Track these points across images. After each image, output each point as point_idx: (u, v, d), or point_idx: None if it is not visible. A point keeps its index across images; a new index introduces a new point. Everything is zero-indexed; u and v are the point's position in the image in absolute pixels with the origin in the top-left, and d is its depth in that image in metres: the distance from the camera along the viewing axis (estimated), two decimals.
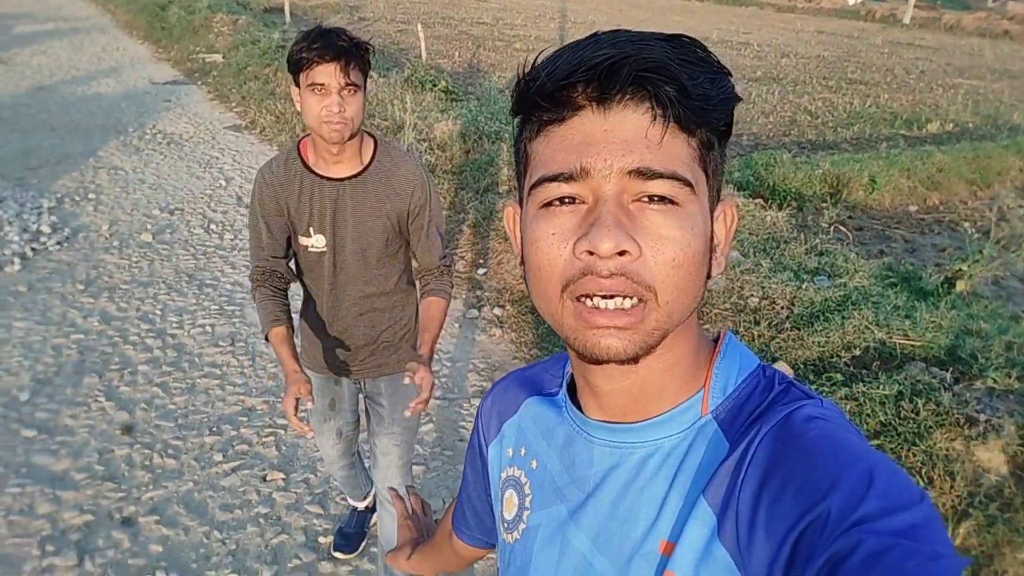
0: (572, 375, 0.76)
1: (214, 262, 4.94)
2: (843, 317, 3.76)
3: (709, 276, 0.63)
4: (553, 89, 0.59)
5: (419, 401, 1.80)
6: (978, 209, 7.93)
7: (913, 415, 3.01)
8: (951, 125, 10.90)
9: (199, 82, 10.35)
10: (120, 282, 4.56)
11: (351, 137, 1.80)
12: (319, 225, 1.91)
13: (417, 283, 2.10)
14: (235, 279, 4.70)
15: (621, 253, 0.56)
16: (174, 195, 6.10)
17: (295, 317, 2.05)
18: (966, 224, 5.77)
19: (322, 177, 1.88)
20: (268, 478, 3.00)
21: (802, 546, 0.51)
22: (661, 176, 0.57)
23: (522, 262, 0.65)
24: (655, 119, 0.57)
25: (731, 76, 0.60)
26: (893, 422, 3.00)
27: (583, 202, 0.59)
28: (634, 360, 0.60)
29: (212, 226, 5.52)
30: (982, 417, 2.96)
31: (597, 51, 0.57)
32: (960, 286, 4.39)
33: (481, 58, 13.85)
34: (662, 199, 0.57)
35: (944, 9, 29.66)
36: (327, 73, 1.68)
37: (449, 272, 2.07)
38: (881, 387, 3.19)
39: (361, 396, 2.29)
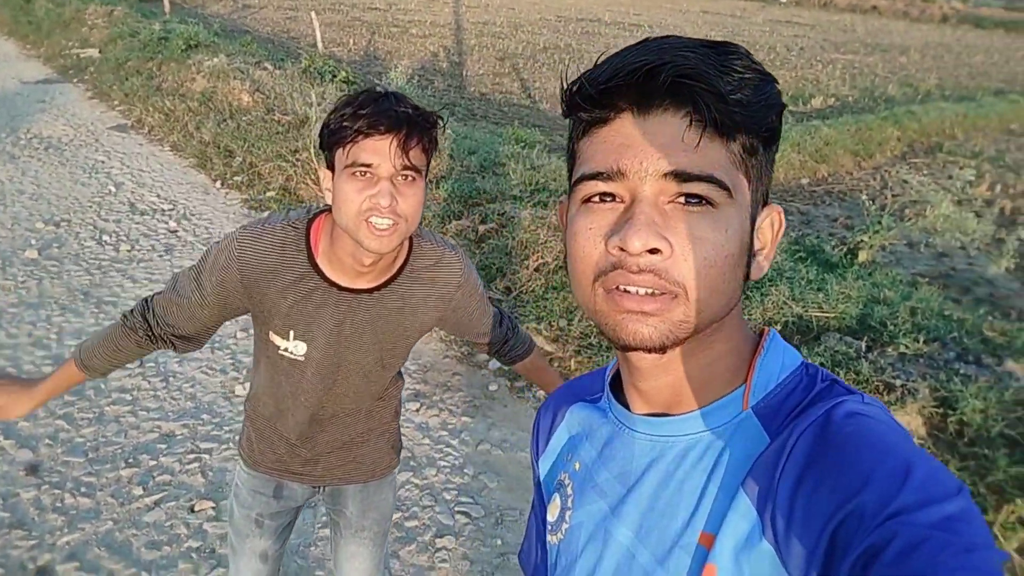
0: (614, 377, 0.79)
1: (111, 276, 4.60)
2: (762, 294, 3.89)
3: (747, 279, 0.65)
4: (594, 93, 0.61)
5: None
6: (863, 179, 8.41)
7: None
8: (832, 99, 11.51)
9: (75, 80, 9.63)
10: (6, 305, 4.18)
11: (398, 245, 1.28)
12: (305, 334, 1.41)
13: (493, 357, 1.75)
14: (136, 293, 4.39)
15: (652, 251, 0.58)
16: (58, 205, 5.65)
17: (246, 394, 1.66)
18: (863, 196, 6.10)
19: (332, 284, 1.37)
20: (196, 508, 2.82)
21: (839, 539, 0.52)
22: (697, 179, 0.58)
23: (565, 252, 0.68)
24: (692, 123, 0.58)
25: (776, 83, 0.61)
26: None
27: (621, 200, 0.61)
28: (661, 350, 0.61)
29: (105, 237, 5.15)
30: (898, 382, 3.13)
31: (639, 57, 0.59)
32: (862, 256, 4.64)
33: (378, 45, 13.53)
34: (698, 201, 0.59)
35: None
36: (378, 151, 1.18)
37: (518, 331, 1.68)
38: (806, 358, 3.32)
39: (315, 501, 1.85)
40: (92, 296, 4.33)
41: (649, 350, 0.61)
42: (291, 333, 1.42)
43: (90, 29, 11.21)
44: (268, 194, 5.93)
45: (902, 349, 3.31)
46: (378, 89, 1.25)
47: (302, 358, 1.44)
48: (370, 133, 1.18)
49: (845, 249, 4.75)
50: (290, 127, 6.74)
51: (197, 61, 8.65)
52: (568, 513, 0.78)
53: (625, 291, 0.60)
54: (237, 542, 1.72)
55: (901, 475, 0.52)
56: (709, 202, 0.59)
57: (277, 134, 6.70)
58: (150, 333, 1.45)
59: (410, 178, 1.23)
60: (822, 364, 3.27)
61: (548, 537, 0.81)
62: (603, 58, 0.63)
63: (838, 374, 3.19)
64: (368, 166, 1.19)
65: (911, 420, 2.93)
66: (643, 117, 0.60)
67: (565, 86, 0.65)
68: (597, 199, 0.62)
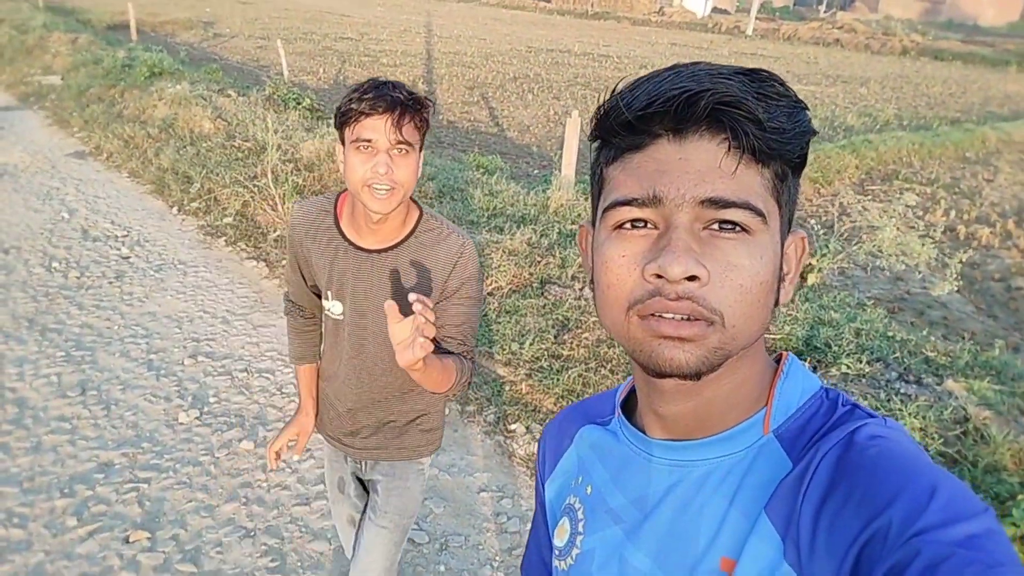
0: (625, 400, 0.79)
1: (58, 303, 4.52)
2: None
3: (777, 304, 0.64)
4: (632, 118, 0.60)
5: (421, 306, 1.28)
6: (822, 206, 8.55)
7: None
8: None
9: (35, 106, 9.54)
10: None
11: (397, 207, 1.52)
12: (338, 291, 1.68)
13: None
14: (83, 321, 4.32)
15: (691, 279, 0.57)
16: (8, 232, 5.56)
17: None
18: (812, 221, 6.20)
19: (350, 243, 1.63)
20: (131, 539, 2.75)
21: (863, 560, 0.52)
22: (735, 205, 0.58)
23: (591, 281, 0.67)
24: (729, 150, 0.58)
25: (807, 110, 0.61)
26: None
27: (655, 227, 0.60)
28: (696, 376, 0.60)
29: (55, 264, 5.06)
30: None
31: (676, 83, 0.59)
32: (811, 279, 4.70)
33: (348, 74, 13.58)
34: (734, 227, 0.59)
35: (782, 20, 32.06)
36: (376, 128, 1.43)
37: (469, 361, 1.68)
38: None
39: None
40: (37, 324, 4.25)
41: (685, 377, 0.60)
42: (329, 293, 1.69)
43: (53, 56, 11.15)
44: (225, 220, 5.88)
45: (844, 369, 3.35)
46: (379, 79, 1.49)
47: (340, 317, 1.70)
48: (370, 113, 1.42)
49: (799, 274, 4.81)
50: (250, 153, 6.72)
51: (160, 88, 8.62)
52: (579, 538, 0.77)
53: (661, 317, 0.59)
54: (333, 508, 2.07)
55: (926, 495, 0.52)
56: (744, 229, 0.59)
57: (236, 160, 6.67)
58: (293, 305, 1.85)
59: (404, 151, 1.47)
60: None
61: (556, 563, 0.80)
62: (621, 86, 0.63)
63: None
64: (368, 141, 1.44)
65: None
66: (679, 143, 0.59)
67: (600, 110, 0.64)
68: (629, 225, 0.61)
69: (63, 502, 2.91)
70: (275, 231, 5.65)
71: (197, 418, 3.48)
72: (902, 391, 3.19)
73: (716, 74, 0.59)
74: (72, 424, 3.38)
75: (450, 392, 1.64)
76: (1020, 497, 2.42)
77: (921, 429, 2.88)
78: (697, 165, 0.58)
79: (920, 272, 5.50)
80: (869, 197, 8.48)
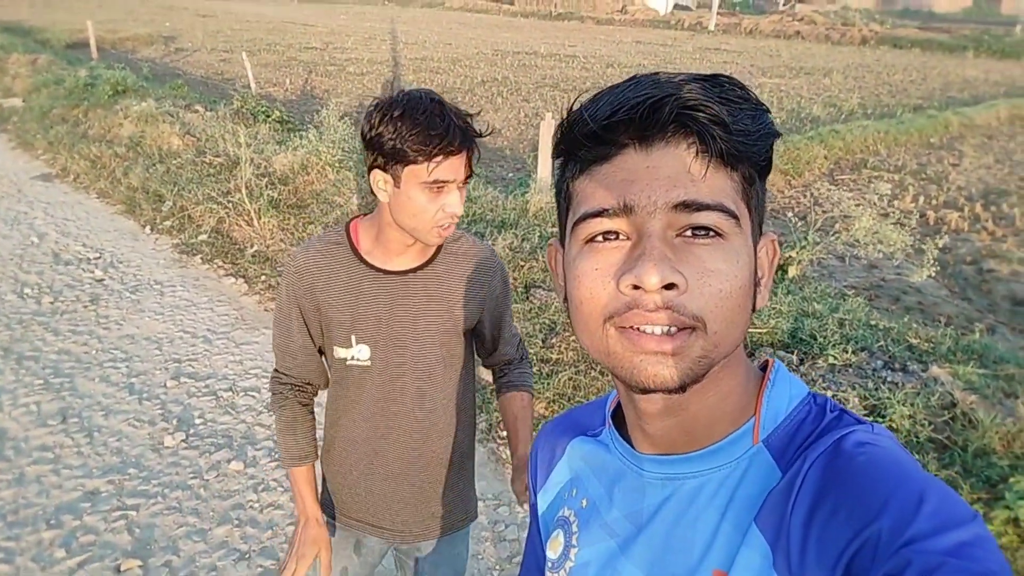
0: (615, 412, 0.78)
1: (33, 330, 4.41)
2: None
3: (754, 309, 0.63)
4: (597, 129, 0.59)
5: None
6: (794, 197, 8.66)
7: None
8: None
9: None
10: None
11: None
12: (364, 331, 1.48)
13: (493, 376, 1.76)
14: (60, 347, 4.22)
15: (668, 287, 0.56)
16: None
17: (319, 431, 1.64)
18: (789, 213, 6.27)
19: (376, 269, 1.47)
20: (123, 568, 2.69)
21: (854, 569, 0.51)
22: (708, 208, 0.57)
23: (565, 299, 0.66)
24: (698, 154, 0.58)
25: (769, 112, 0.61)
26: None
27: (627, 238, 0.59)
28: (681, 389, 0.59)
29: (27, 290, 4.95)
30: (829, 393, 3.19)
31: (638, 91, 0.58)
32: (792, 271, 4.75)
33: (315, 84, 13.49)
34: (707, 232, 0.58)
35: (743, 15, 32.44)
36: (455, 168, 1.31)
37: (527, 361, 1.72)
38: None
39: (391, 553, 1.83)
40: (12, 352, 4.15)
41: (670, 391, 0.59)
42: (352, 338, 1.49)
43: (13, 78, 10.92)
44: (200, 237, 5.80)
45: (831, 360, 3.38)
46: (424, 98, 1.31)
47: (368, 362, 1.50)
48: (449, 153, 1.30)
49: (777, 266, 4.86)
50: (222, 168, 6.64)
51: (125, 106, 8.49)
52: (573, 551, 0.76)
53: (641, 331, 0.57)
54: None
55: (915, 503, 0.51)
56: (718, 233, 0.58)
57: (208, 176, 6.58)
58: (290, 387, 1.59)
59: (467, 183, 1.39)
60: None
61: (549, 575, 0.79)
62: (579, 101, 0.63)
63: None
64: (445, 182, 1.32)
65: None
66: (646, 151, 0.59)
67: (563, 124, 0.63)
68: (601, 238, 0.60)
69: (50, 533, 2.84)
70: (252, 247, 5.58)
71: (183, 441, 3.42)
72: (889, 379, 3.23)
73: (677, 80, 0.58)
74: (55, 453, 3.30)
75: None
76: (1012, 480, 2.46)
77: (910, 416, 2.92)
78: (666, 171, 0.58)
79: (896, 259, 5.58)
80: (839, 187, 8.60)
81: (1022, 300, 5.86)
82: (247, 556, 2.76)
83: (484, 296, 1.56)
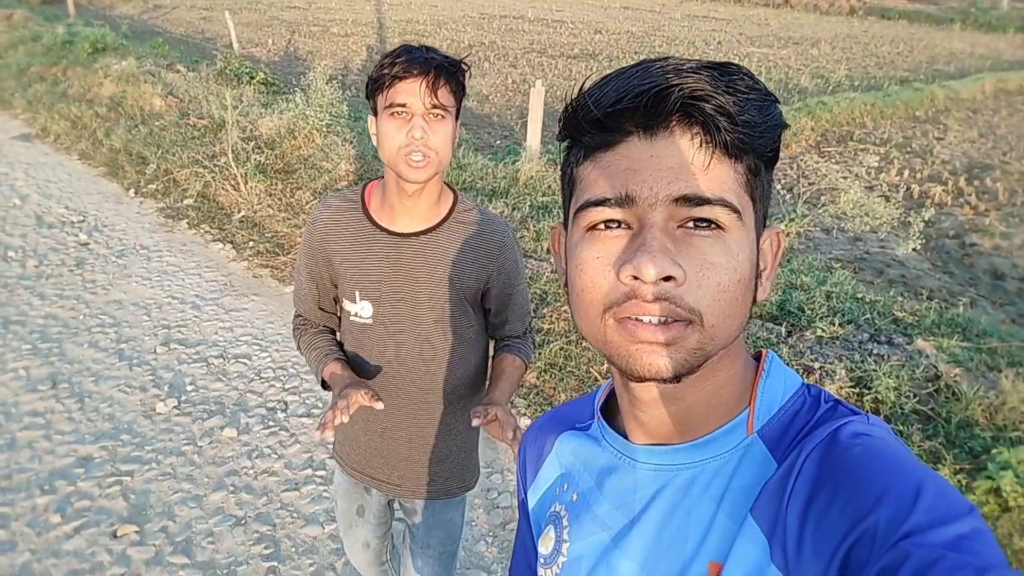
0: (605, 404, 0.78)
1: (19, 295, 4.36)
2: None
3: (755, 301, 0.63)
4: (600, 116, 0.59)
5: (506, 440, 1.42)
6: (780, 168, 8.68)
7: None
8: None
9: None
10: None
11: (433, 176, 1.44)
12: (368, 289, 1.54)
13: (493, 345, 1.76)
14: (47, 312, 4.18)
15: (667, 279, 0.56)
16: None
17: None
18: (778, 186, 6.30)
19: (383, 230, 1.52)
20: (119, 533, 2.71)
21: (851, 561, 0.51)
22: (709, 202, 0.57)
23: (566, 284, 0.65)
24: (701, 145, 0.57)
25: (778, 103, 0.60)
26: None
27: (629, 227, 0.59)
28: (676, 379, 0.59)
29: (11, 253, 4.88)
30: (816, 365, 3.25)
31: (645, 79, 0.57)
32: None
33: (298, 45, 13.23)
34: (708, 225, 0.58)
35: None
36: (410, 92, 1.35)
37: (532, 333, 1.75)
38: None
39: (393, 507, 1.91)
40: None
41: (665, 381, 0.59)
42: (357, 294, 1.56)
43: None
44: (186, 201, 5.73)
45: (819, 333, 3.43)
46: (409, 44, 1.41)
47: (369, 320, 1.57)
48: (404, 77, 1.35)
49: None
50: (206, 131, 6.53)
51: (105, 65, 8.29)
52: (565, 545, 0.75)
53: (638, 321, 0.57)
54: (343, 531, 1.92)
55: (912, 495, 0.51)
56: (719, 226, 0.58)
57: (193, 139, 6.48)
58: (305, 322, 1.71)
59: (439, 116, 1.39)
60: None
61: (541, 571, 0.79)
62: (588, 83, 0.62)
63: None
64: (403, 106, 1.37)
65: None
66: (650, 140, 0.58)
67: (568, 108, 0.63)
68: (603, 226, 0.60)
69: (44, 499, 2.84)
70: (239, 212, 5.52)
71: (175, 407, 3.42)
72: (875, 352, 3.29)
73: (685, 69, 0.57)
74: (46, 419, 3.29)
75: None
76: (994, 451, 2.53)
77: (896, 388, 2.98)
78: (669, 162, 0.57)
79: (883, 233, 5.64)
80: (826, 159, 8.64)
81: (1003, 274, 5.96)
82: (243, 522, 2.78)
83: (491, 270, 1.57)
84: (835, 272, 4.33)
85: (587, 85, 0.62)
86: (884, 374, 3.03)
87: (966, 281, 5.85)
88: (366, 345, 1.60)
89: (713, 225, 0.58)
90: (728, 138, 0.57)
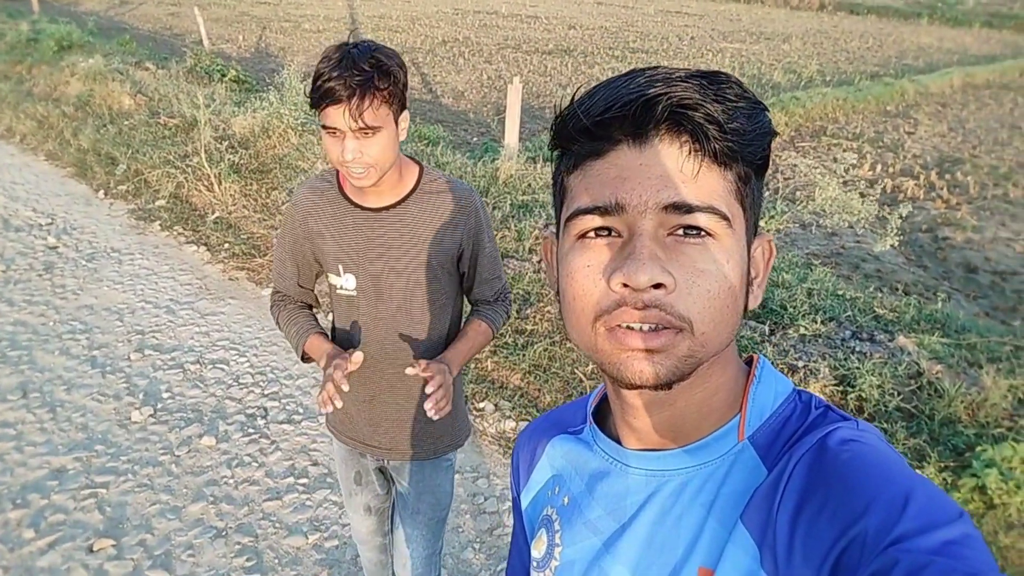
0: (597, 408, 0.78)
1: None
2: None
3: (746, 309, 0.63)
4: (589, 124, 0.59)
5: (432, 400, 1.49)
6: None
7: None
8: None
9: None
10: None
11: (380, 179, 1.51)
12: (349, 262, 1.63)
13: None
14: (15, 318, 4.06)
15: (657, 286, 0.56)
16: None
17: None
18: None
19: (356, 206, 1.61)
20: (95, 548, 2.63)
21: (840, 568, 0.51)
22: (697, 209, 0.57)
23: (557, 293, 0.65)
24: (690, 153, 0.57)
25: (767, 111, 0.60)
26: None
27: (619, 235, 0.59)
28: (667, 387, 0.59)
29: None
30: (800, 364, 3.26)
31: (633, 88, 0.58)
32: None
33: (269, 41, 13.05)
34: (698, 232, 0.58)
35: None
36: (337, 116, 1.40)
37: (505, 302, 1.80)
38: None
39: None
40: None
41: (655, 388, 0.59)
42: (340, 267, 1.64)
43: None
44: (158, 203, 5.60)
45: (802, 331, 3.44)
46: (344, 47, 1.42)
47: (354, 292, 1.65)
48: (331, 102, 1.39)
49: None
50: (178, 131, 6.40)
51: (71, 63, 8.10)
52: (557, 550, 0.75)
53: (628, 328, 0.57)
54: (345, 498, 1.98)
55: (901, 501, 0.51)
56: (709, 233, 0.58)
57: (164, 138, 6.35)
58: (284, 297, 1.78)
59: (369, 132, 1.43)
60: None
61: (534, 574, 0.79)
62: (581, 92, 0.62)
63: None
64: (334, 128, 1.42)
65: None
66: (639, 148, 0.58)
67: (558, 117, 0.63)
68: (593, 234, 0.60)
69: (17, 513, 2.75)
70: (213, 213, 5.41)
71: (151, 416, 3.33)
72: (857, 349, 3.31)
73: (674, 77, 0.58)
74: (17, 430, 3.20)
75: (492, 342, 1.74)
76: (978, 449, 2.55)
77: (879, 386, 2.99)
78: (658, 170, 0.57)
79: (860, 229, 5.69)
80: (801, 154, 8.71)
81: (976, 267, 6.05)
82: (224, 533, 2.72)
83: (461, 233, 1.65)
84: (815, 269, 4.35)
85: (578, 95, 0.62)
86: (867, 372, 3.05)
87: (940, 275, 5.93)
88: (353, 316, 1.68)
89: (703, 232, 0.58)
90: (717, 146, 0.57)
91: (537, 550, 0.79)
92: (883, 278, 5.61)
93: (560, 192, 0.66)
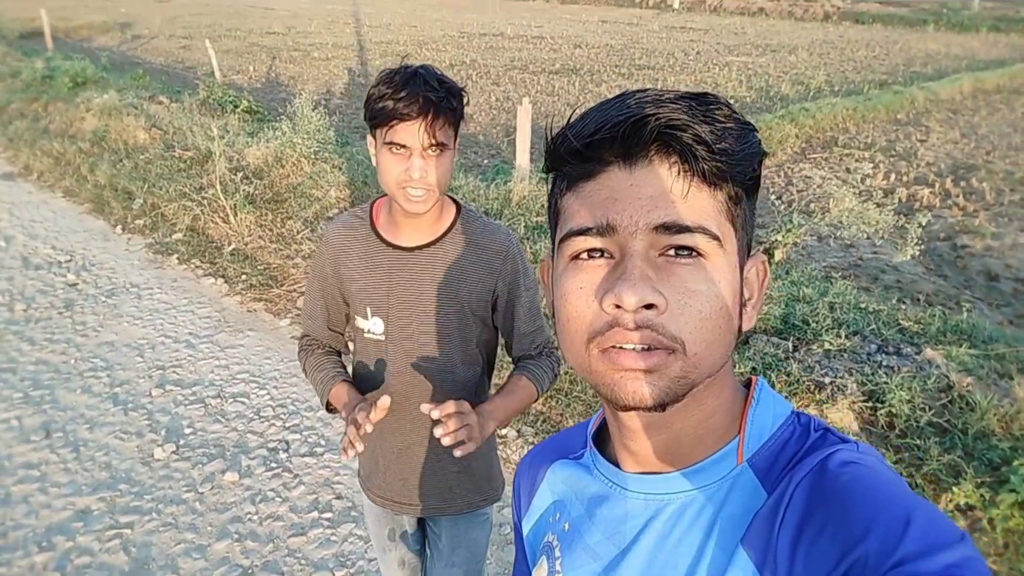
0: (596, 433, 0.78)
1: (7, 340, 4.25)
2: None
3: (740, 331, 0.63)
4: (580, 146, 0.60)
5: (443, 427, 1.33)
6: (768, 177, 8.70)
7: None
8: (732, 101, 11.90)
9: None
10: None
11: (431, 207, 1.47)
12: (377, 305, 1.56)
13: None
14: (37, 357, 4.08)
15: (648, 307, 0.56)
16: None
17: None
18: (772, 196, 6.29)
19: (389, 244, 1.54)
20: None
21: None
22: (688, 230, 0.57)
23: (553, 315, 0.66)
24: (680, 174, 0.58)
25: (756, 131, 0.61)
26: None
27: (611, 256, 0.60)
28: (660, 408, 0.59)
29: None
30: (827, 380, 3.21)
31: (622, 110, 0.58)
32: (778, 255, 4.76)
33: (280, 70, 13.20)
34: (689, 252, 0.58)
35: None
36: (409, 132, 1.36)
37: (551, 357, 1.65)
38: (736, 366, 3.37)
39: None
40: None
41: (649, 409, 0.59)
42: (368, 310, 1.57)
43: None
44: (175, 236, 5.64)
45: (826, 346, 3.39)
46: (409, 68, 1.39)
47: (382, 336, 1.58)
48: (402, 118, 1.35)
49: (762, 249, 4.87)
50: (193, 163, 6.46)
51: (86, 99, 8.21)
52: None
53: (621, 349, 0.57)
54: (379, 554, 1.91)
55: (902, 524, 0.51)
56: (700, 253, 0.58)
57: (179, 171, 6.40)
58: (312, 341, 1.71)
59: (438, 151, 1.41)
60: (753, 368, 3.33)
61: None
62: (576, 114, 0.62)
63: (769, 377, 3.26)
64: (403, 146, 1.38)
65: (843, 416, 3.00)
66: (629, 170, 0.59)
67: (550, 140, 0.64)
68: (585, 255, 0.61)
69: (43, 556, 2.74)
70: (230, 245, 5.44)
71: (174, 452, 3.32)
72: (884, 363, 3.25)
73: (663, 99, 0.58)
74: (41, 471, 3.19)
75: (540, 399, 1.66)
76: (1016, 463, 2.49)
77: (909, 401, 2.94)
78: (648, 191, 0.58)
79: (878, 239, 5.63)
80: (813, 165, 8.67)
81: (997, 275, 5.97)
82: (250, 571, 2.70)
83: (495, 279, 1.57)
84: (835, 282, 4.30)
85: (572, 118, 0.63)
86: (896, 387, 2.99)
87: (961, 284, 5.85)
88: (380, 362, 1.61)
89: (694, 253, 0.58)
90: (706, 166, 0.57)
91: None
92: (904, 289, 5.54)
93: (554, 214, 0.67)
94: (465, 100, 1.44)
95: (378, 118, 1.39)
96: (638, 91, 0.60)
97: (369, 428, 1.35)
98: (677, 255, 0.58)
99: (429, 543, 1.87)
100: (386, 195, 1.54)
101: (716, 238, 0.59)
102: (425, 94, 1.35)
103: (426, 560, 1.94)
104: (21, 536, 2.84)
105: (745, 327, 0.64)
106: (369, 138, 1.49)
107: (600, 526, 0.71)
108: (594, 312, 0.59)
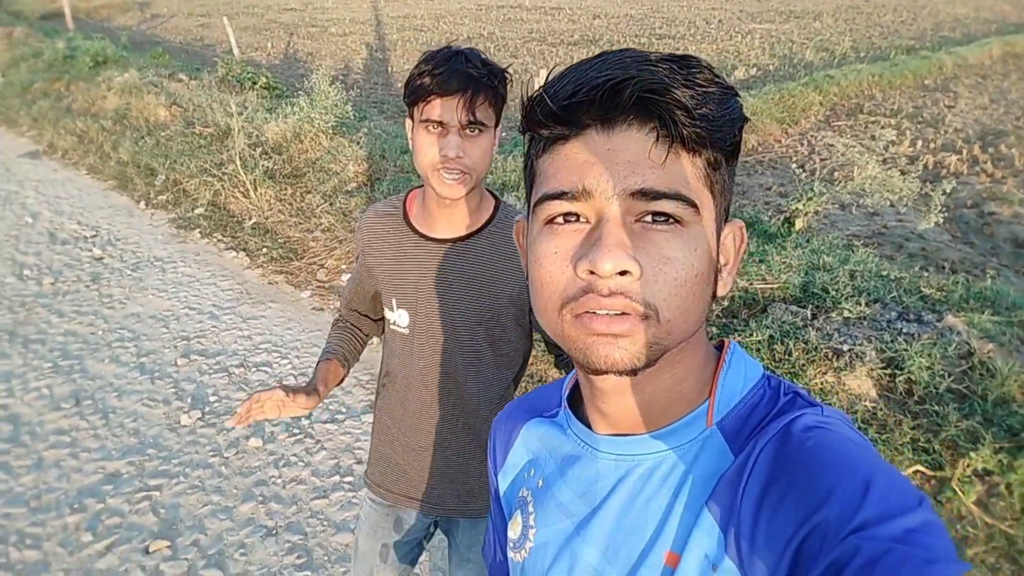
0: (571, 394, 0.78)
1: (37, 313, 4.36)
2: None
3: (715, 296, 0.63)
4: (556, 108, 0.58)
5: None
6: (791, 146, 8.59)
7: (787, 356, 3.19)
8: (755, 69, 11.71)
9: None
10: None
11: (470, 191, 1.39)
12: (403, 297, 1.51)
13: None
14: (66, 328, 4.18)
15: (622, 273, 0.55)
16: None
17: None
18: (793, 165, 6.20)
19: (420, 235, 1.48)
20: (151, 549, 2.70)
21: (802, 556, 0.52)
22: (665, 196, 0.56)
23: (527, 278, 0.65)
24: (658, 139, 0.57)
25: (738, 96, 0.59)
26: (770, 366, 3.17)
27: (586, 221, 0.59)
28: (633, 373, 0.59)
29: (26, 271, 4.88)
30: (845, 347, 3.19)
31: (602, 71, 0.57)
32: (799, 224, 4.72)
33: (297, 47, 13.20)
34: (666, 219, 0.57)
35: None
36: (447, 109, 1.31)
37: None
38: (753, 334, 3.36)
39: (431, 529, 1.82)
40: (18, 336, 4.10)
41: (621, 373, 0.59)
42: (394, 301, 1.53)
43: None
44: (197, 211, 5.71)
45: (846, 314, 3.37)
46: (452, 48, 1.35)
47: (407, 330, 1.53)
48: (441, 93, 1.30)
49: (782, 218, 4.83)
50: (213, 139, 6.51)
51: (107, 78, 8.29)
52: (532, 532, 0.76)
53: (594, 314, 0.57)
54: (359, 573, 1.75)
55: (862, 489, 0.52)
56: (677, 220, 0.57)
57: (200, 148, 6.46)
58: (343, 319, 1.71)
59: (477, 130, 1.34)
60: (771, 336, 3.32)
61: (511, 554, 0.80)
62: (554, 73, 0.61)
63: (787, 345, 3.25)
64: (439, 123, 1.32)
65: (861, 384, 2.99)
66: (607, 133, 0.57)
67: (528, 101, 0.62)
68: (561, 220, 0.59)
69: (75, 518, 2.84)
70: (250, 219, 5.50)
71: (200, 419, 3.40)
72: (904, 331, 3.23)
73: (643, 61, 0.57)
74: (71, 436, 3.29)
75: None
76: None
77: (929, 368, 2.92)
78: (626, 156, 0.57)
79: (903, 207, 5.55)
80: (837, 133, 8.53)
81: None
82: (274, 532, 2.77)
83: (522, 282, 1.49)
84: (857, 250, 4.25)
85: (550, 77, 0.61)
86: (916, 354, 2.97)
87: (987, 251, 5.75)
88: (406, 356, 1.56)
89: (670, 219, 0.57)
90: (685, 132, 0.56)
91: (513, 531, 0.80)
92: (928, 257, 5.47)
93: (530, 175, 0.65)
94: (508, 84, 1.37)
95: (416, 94, 1.34)
96: (619, 51, 0.59)
97: (272, 415, 1.42)
98: (654, 221, 0.57)
99: (447, 541, 1.79)
100: (422, 186, 1.50)
101: (693, 205, 0.58)
102: (465, 70, 1.30)
103: None
104: (54, 499, 2.93)
105: (720, 293, 0.64)
106: (407, 121, 1.43)
107: (572, 484, 0.72)
108: (568, 277, 0.58)
